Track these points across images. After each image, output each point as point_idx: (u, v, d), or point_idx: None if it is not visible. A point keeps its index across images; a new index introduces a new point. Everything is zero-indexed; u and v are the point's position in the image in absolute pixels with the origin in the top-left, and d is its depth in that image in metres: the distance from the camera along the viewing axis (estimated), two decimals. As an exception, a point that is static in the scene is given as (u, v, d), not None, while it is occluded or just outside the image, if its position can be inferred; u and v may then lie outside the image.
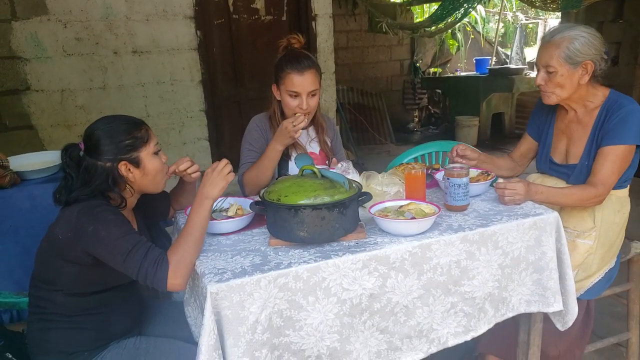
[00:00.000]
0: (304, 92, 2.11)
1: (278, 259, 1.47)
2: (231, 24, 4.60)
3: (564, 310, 1.81)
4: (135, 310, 1.72)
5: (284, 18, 4.84)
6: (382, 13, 5.67)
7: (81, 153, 1.55)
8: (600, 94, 1.97)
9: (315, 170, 1.60)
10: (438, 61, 9.79)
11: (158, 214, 1.92)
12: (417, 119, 9.58)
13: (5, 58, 3.78)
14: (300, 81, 2.09)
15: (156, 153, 1.63)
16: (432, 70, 9.72)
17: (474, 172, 2.04)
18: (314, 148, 2.32)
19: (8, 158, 2.21)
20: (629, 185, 2.04)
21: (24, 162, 2.37)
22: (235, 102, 4.73)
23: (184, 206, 1.89)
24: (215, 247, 1.60)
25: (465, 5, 4.31)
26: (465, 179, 1.76)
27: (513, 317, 1.80)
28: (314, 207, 1.49)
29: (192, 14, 4.30)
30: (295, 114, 2.15)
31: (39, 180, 2.21)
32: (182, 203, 1.95)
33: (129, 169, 1.57)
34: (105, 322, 1.60)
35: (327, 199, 1.51)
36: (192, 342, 1.55)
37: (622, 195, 2.02)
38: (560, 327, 1.86)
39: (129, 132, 1.56)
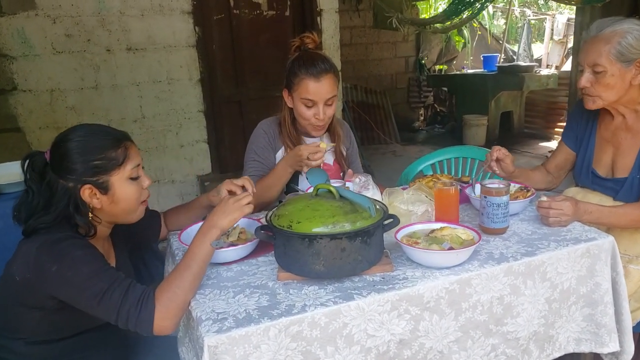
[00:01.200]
0: (321, 100, 1.85)
1: (289, 300, 1.22)
2: (231, 19, 4.33)
3: (620, 349, 1.56)
4: (119, 350, 1.47)
5: (287, 13, 4.57)
6: (390, 8, 5.39)
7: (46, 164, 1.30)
8: None
9: (332, 189, 1.35)
10: (444, 58, 9.52)
11: (146, 236, 1.66)
12: (422, 118, 9.32)
13: (-10, 56, 3.52)
14: (317, 88, 1.83)
15: (135, 178, 1.35)
16: (437, 67, 9.45)
17: (511, 188, 1.79)
18: (328, 159, 2.05)
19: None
20: None
21: (1, 172, 2.12)
22: (236, 102, 4.46)
23: (182, 226, 1.64)
24: (214, 282, 1.35)
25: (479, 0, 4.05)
26: (505, 198, 1.52)
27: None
28: (333, 236, 1.24)
29: (190, 8, 4.04)
30: (309, 123, 1.91)
31: (15, 194, 1.95)
32: (180, 223, 1.69)
33: (95, 194, 1.30)
34: None
35: (347, 227, 1.26)
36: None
37: None
38: (613, 367, 1.62)
39: (102, 151, 1.28)
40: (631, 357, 1.57)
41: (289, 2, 4.55)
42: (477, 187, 1.74)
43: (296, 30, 4.55)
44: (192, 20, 4.06)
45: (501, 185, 1.53)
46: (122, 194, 1.32)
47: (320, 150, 1.74)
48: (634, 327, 1.74)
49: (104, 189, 1.30)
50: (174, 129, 4.19)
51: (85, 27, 3.72)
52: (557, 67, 9.86)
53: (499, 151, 1.80)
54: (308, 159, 1.72)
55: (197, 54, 4.14)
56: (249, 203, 1.35)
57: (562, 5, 7.30)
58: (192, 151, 4.29)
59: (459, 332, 1.34)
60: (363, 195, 1.35)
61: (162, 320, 1.18)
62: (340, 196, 1.35)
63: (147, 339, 1.60)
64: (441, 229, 1.46)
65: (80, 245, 1.24)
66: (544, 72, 7.73)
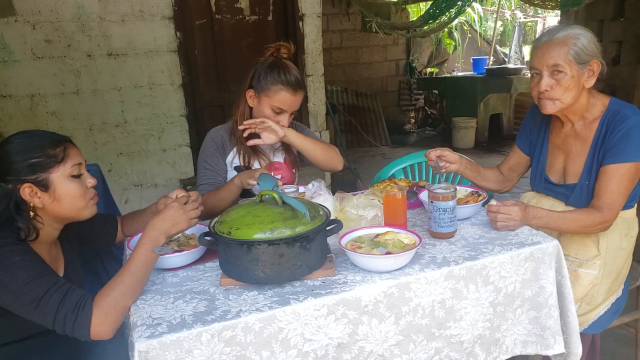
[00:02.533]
0: (290, 110, 1.97)
1: (227, 305, 1.24)
2: (213, 24, 4.35)
3: (566, 351, 1.58)
4: (67, 354, 1.48)
5: (270, 18, 4.60)
6: (375, 12, 5.42)
7: None
8: (600, 103, 1.74)
9: (275, 195, 1.37)
10: (435, 61, 9.55)
11: (101, 240, 1.68)
12: (413, 121, 9.35)
13: (-30, 62, 3.54)
14: (292, 101, 1.94)
15: (77, 176, 1.37)
16: (428, 70, 9.48)
17: (462, 192, 1.81)
18: (278, 157, 2.11)
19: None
20: (636, 204, 1.81)
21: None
22: (219, 106, 4.48)
23: (137, 231, 1.66)
24: (157, 287, 1.37)
25: (459, 2, 4.07)
26: (451, 203, 1.54)
27: (507, 360, 1.57)
28: (271, 242, 1.26)
29: (171, 14, 4.05)
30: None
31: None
32: (135, 228, 1.72)
33: (35, 193, 1.31)
34: None
35: (286, 232, 1.28)
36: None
37: (630, 216, 1.78)
38: (562, 369, 1.63)
39: (41, 149, 1.31)
40: (579, 358, 1.58)
41: (271, 7, 4.58)
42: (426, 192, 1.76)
43: (279, 35, 4.58)
44: (173, 26, 4.08)
45: (448, 190, 1.55)
46: (63, 192, 1.34)
47: (255, 175, 1.79)
48: (586, 329, 1.77)
49: (44, 186, 1.32)
50: (156, 134, 4.21)
51: (65, 32, 3.74)
52: (547, 69, 9.84)
53: (434, 150, 1.82)
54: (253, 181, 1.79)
55: (179, 58, 4.15)
56: (195, 218, 1.40)
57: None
58: (174, 155, 4.30)
59: (400, 336, 1.36)
60: (303, 202, 1.36)
61: (100, 325, 1.20)
62: (283, 202, 1.37)
63: (99, 343, 1.61)
64: (385, 233, 1.48)
65: (18, 251, 1.25)
66: (532, 74, 7.77)
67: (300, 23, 4.56)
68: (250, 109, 2.00)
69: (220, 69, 4.44)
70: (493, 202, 1.62)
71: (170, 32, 4.09)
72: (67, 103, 3.85)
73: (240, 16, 4.47)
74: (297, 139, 1.97)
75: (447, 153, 1.82)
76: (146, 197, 4.20)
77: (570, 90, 1.67)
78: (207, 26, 4.34)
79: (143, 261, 1.29)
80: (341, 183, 5.37)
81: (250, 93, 1.97)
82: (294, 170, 2.14)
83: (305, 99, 4.71)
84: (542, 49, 1.69)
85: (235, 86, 4.49)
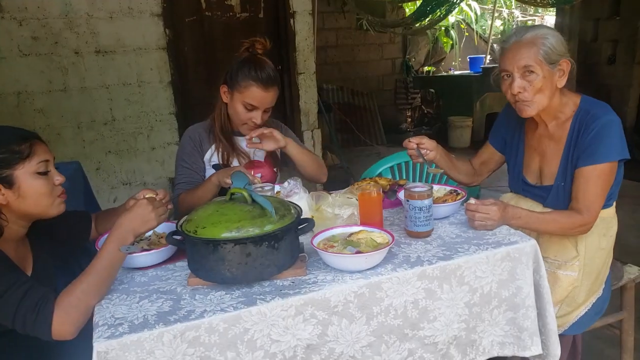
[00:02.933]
0: (262, 107, 1.91)
1: (192, 306, 1.22)
2: (203, 21, 4.33)
3: (544, 352, 1.55)
4: (30, 356, 1.45)
5: (261, 15, 4.57)
6: (370, 11, 5.40)
7: None
8: (571, 102, 1.70)
9: (244, 194, 1.34)
10: (431, 60, 9.52)
11: (74, 237, 1.66)
12: (409, 119, 9.32)
13: (-44, 59, 3.52)
14: (263, 97, 1.89)
15: (43, 173, 1.35)
16: (425, 69, 9.45)
17: (441, 191, 1.78)
18: (259, 156, 2.08)
19: None
20: (614, 203, 1.78)
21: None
22: (209, 104, 4.41)
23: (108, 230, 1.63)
24: (125, 287, 1.34)
25: (450, 0, 4.05)
26: (427, 202, 1.51)
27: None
28: (237, 241, 1.23)
29: (160, 11, 4.02)
30: (244, 124, 1.93)
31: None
32: (109, 226, 1.68)
33: None
34: None
35: (254, 231, 1.25)
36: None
37: (608, 215, 1.75)
38: (541, 370, 1.61)
39: (5, 145, 1.29)
40: (557, 359, 1.56)
41: (262, 4, 4.54)
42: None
43: (269, 33, 4.54)
44: (162, 23, 4.05)
45: (423, 189, 1.52)
46: (29, 189, 1.32)
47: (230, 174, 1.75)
48: (567, 330, 1.75)
49: (8, 183, 1.30)
50: (145, 132, 4.18)
51: (52, 29, 3.71)
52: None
53: (413, 139, 1.80)
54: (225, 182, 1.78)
55: (168, 56, 4.12)
56: (163, 214, 1.38)
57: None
58: (163, 153, 4.27)
59: (371, 337, 1.33)
60: (270, 200, 1.33)
61: (61, 324, 1.18)
62: (253, 200, 1.34)
63: (64, 344, 1.58)
64: (358, 232, 1.45)
65: None
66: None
67: (292, 20, 4.54)
68: (226, 105, 1.98)
69: (210, 67, 4.42)
70: (472, 200, 1.60)
71: (159, 29, 4.06)
72: (54, 101, 3.82)
73: (231, 13, 4.44)
74: (296, 151, 1.98)
75: (425, 140, 1.79)
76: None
77: (543, 91, 1.64)
78: (197, 23, 4.31)
79: (109, 260, 1.27)
80: (334, 182, 5.34)
81: (223, 89, 1.96)
82: (275, 169, 2.11)
83: (297, 97, 4.70)
84: (512, 51, 1.65)
85: (227, 82, 4.46)
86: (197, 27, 4.30)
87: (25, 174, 1.31)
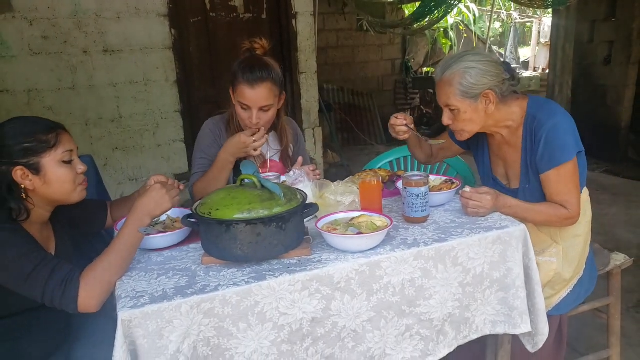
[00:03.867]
0: (255, 106, 1.94)
1: (206, 281, 1.32)
2: (208, 22, 4.44)
3: (533, 331, 1.66)
4: (57, 333, 1.56)
5: (264, 16, 4.68)
6: (369, 12, 5.51)
7: None
8: (519, 110, 1.77)
9: (254, 179, 1.45)
10: (430, 60, 9.63)
11: (92, 224, 1.77)
12: (409, 119, 9.40)
13: (-31, 57, 3.62)
14: (251, 95, 1.92)
15: (68, 162, 1.45)
16: (424, 69, 9.56)
17: (437, 181, 1.89)
18: (274, 156, 2.16)
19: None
20: (585, 189, 1.85)
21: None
22: (213, 102, 4.55)
23: (123, 217, 1.74)
24: (143, 266, 1.45)
25: (448, 1, 4.15)
26: (424, 189, 1.62)
27: (479, 339, 1.65)
28: (248, 221, 1.34)
29: (166, 11, 4.14)
30: (245, 124, 2.01)
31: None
32: (123, 213, 1.79)
33: (27, 176, 1.39)
34: (16, 351, 1.44)
35: (263, 213, 1.36)
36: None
37: (581, 201, 1.84)
38: (531, 348, 1.71)
39: (33, 134, 1.39)
40: (545, 337, 1.66)
41: (265, 5, 4.66)
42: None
43: (272, 33, 4.66)
44: (168, 23, 4.17)
45: (420, 177, 1.63)
46: (54, 176, 1.42)
47: (261, 132, 1.87)
48: (551, 311, 1.85)
49: (36, 170, 1.39)
50: (151, 129, 4.29)
51: (62, 29, 3.82)
52: (543, 70, 9.98)
53: (399, 115, 1.95)
54: (253, 141, 1.84)
55: (174, 55, 4.24)
56: (177, 196, 1.48)
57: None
58: (169, 150, 4.39)
59: (371, 312, 1.44)
60: (278, 185, 1.44)
61: (86, 298, 1.28)
62: (262, 186, 1.45)
63: (90, 321, 1.69)
64: (359, 217, 1.56)
65: (8, 229, 1.33)
66: (526, 74, 7.89)
67: (294, 21, 4.65)
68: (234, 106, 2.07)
69: (214, 66, 4.53)
70: (467, 188, 1.70)
71: (165, 29, 4.17)
72: (63, 98, 3.93)
73: (235, 14, 4.55)
74: None
75: (408, 116, 1.93)
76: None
77: (470, 121, 1.74)
78: (202, 24, 4.42)
79: (128, 240, 1.37)
80: (334, 179, 5.44)
81: (230, 91, 2.03)
82: (287, 169, 2.18)
83: (299, 96, 4.80)
84: (437, 87, 1.76)
85: (230, 83, 4.57)
86: (201, 27, 4.41)
87: (51, 161, 1.41)
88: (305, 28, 4.70)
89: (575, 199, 1.72)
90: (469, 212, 1.67)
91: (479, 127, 1.76)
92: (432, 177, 1.89)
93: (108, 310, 1.59)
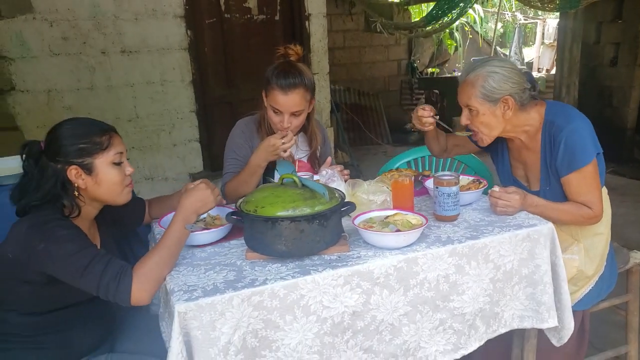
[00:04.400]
0: (287, 111, 1.99)
1: (253, 275, 1.38)
2: (223, 23, 4.50)
3: (559, 325, 1.72)
4: (103, 326, 1.62)
5: (277, 17, 4.74)
6: (378, 13, 5.56)
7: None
8: (537, 115, 1.83)
9: (295, 179, 1.51)
10: (436, 61, 9.70)
11: (130, 221, 1.83)
12: (414, 120, 9.46)
13: (-10, 58, 3.68)
14: (284, 100, 1.97)
15: (118, 163, 1.51)
16: (430, 70, 9.63)
17: (464, 180, 1.95)
18: (302, 156, 2.22)
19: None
20: (603, 187, 1.89)
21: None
22: (227, 103, 4.62)
23: (163, 214, 1.81)
24: (188, 261, 1.51)
25: (461, 4, 4.21)
26: (455, 188, 1.68)
27: (506, 333, 1.71)
28: (293, 219, 1.40)
29: (183, 13, 4.20)
30: (276, 127, 2.06)
31: (9, 186, 2.09)
32: (162, 211, 1.86)
33: (80, 175, 1.45)
34: (68, 340, 1.51)
35: (306, 210, 1.42)
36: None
37: None
38: (556, 342, 1.77)
39: (88, 136, 1.45)
40: (571, 332, 1.72)
41: (278, 7, 4.72)
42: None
43: (285, 34, 4.72)
44: (184, 24, 4.23)
45: (451, 177, 1.69)
46: (105, 177, 1.48)
47: (289, 134, 1.92)
48: (574, 306, 1.91)
49: (89, 170, 1.46)
50: (167, 129, 4.35)
51: (81, 30, 3.88)
52: (547, 70, 10.04)
53: (426, 107, 1.98)
54: (282, 143, 1.90)
55: (190, 56, 4.30)
56: (219, 195, 1.57)
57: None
58: (184, 150, 4.45)
59: (408, 307, 1.50)
60: (321, 184, 1.50)
61: (139, 291, 1.34)
62: (302, 185, 1.51)
63: (131, 317, 1.76)
64: (394, 215, 1.62)
65: (65, 225, 1.40)
66: (534, 74, 7.91)
67: (307, 23, 4.71)
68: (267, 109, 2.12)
69: (229, 67, 4.59)
70: (496, 188, 1.76)
71: (182, 31, 4.23)
72: (82, 98, 3.99)
73: (249, 15, 4.61)
74: None
75: (432, 108, 1.98)
76: (157, 189, 4.34)
77: (487, 125, 1.80)
78: (217, 25, 4.48)
79: (176, 236, 1.43)
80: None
81: (263, 94, 2.09)
82: (315, 170, 2.24)
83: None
84: (460, 87, 1.83)
85: (244, 84, 4.64)
86: (217, 28, 4.47)
87: (103, 162, 1.47)
88: (318, 29, 4.77)
89: (597, 199, 1.78)
90: (497, 210, 1.73)
91: (497, 131, 1.82)
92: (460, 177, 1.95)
93: (145, 308, 1.67)
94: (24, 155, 1.47)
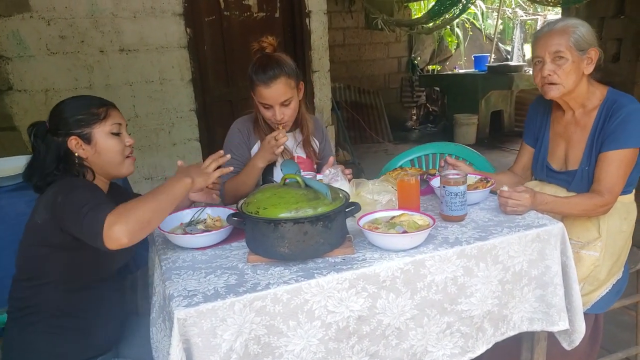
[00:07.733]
0: (275, 103, 1.98)
1: (255, 279, 1.34)
2: (222, 21, 4.45)
3: (570, 328, 1.67)
4: (117, 322, 1.65)
5: (277, 15, 4.69)
6: (378, 9, 5.50)
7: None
8: (599, 92, 1.86)
9: (298, 179, 1.46)
10: (437, 58, 9.64)
11: None
12: (415, 117, 9.43)
13: (-13, 57, 3.63)
14: (269, 94, 1.96)
15: (116, 134, 1.56)
16: (430, 67, 9.57)
17: (472, 179, 1.90)
18: (301, 153, 2.18)
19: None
20: (634, 190, 1.90)
21: (-3, 167, 2.23)
22: (227, 101, 4.58)
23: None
24: (189, 264, 1.46)
25: (463, 0, 4.16)
26: (462, 187, 1.63)
27: (515, 336, 1.66)
28: (296, 220, 1.35)
29: (182, 10, 4.15)
30: (271, 121, 2.05)
31: (7, 188, 2.06)
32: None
33: (80, 145, 1.51)
34: (87, 328, 1.53)
35: (310, 212, 1.37)
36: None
37: (628, 201, 1.88)
38: (567, 346, 1.73)
39: (86, 108, 1.53)
40: (582, 335, 1.68)
41: (278, 4, 4.66)
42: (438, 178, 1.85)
43: (285, 32, 4.67)
44: (183, 22, 4.17)
45: (458, 176, 1.64)
46: (104, 146, 1.54)
47: (281, 131, 1.93)
48: (589, 309, 1.87)
49: (87, 139, 1.52)
50: (167, 128, 4.30)
51: (79, 28, 3.83)
52: (548, 67, 9.91)
53: (447, 158, 1.96)
54: (276, 140, 1.90)
55: (189, 54, 4.24)
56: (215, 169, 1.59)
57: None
58: (184, 149, 4.40)
59: (415, 310, 1.45)
60: (324, 184, 1.45)
61: (112, 224, 1.24)
62: (306, 185, 1.46)
63: (138, 323, 1.74)
64: (400, 215, 1.57)
65: (84, 181, 1.50)
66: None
67: (307, 20, 4.65)
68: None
69: (228, 65, 4.54)
70: (505, 187, 1.71)
71: (181, 29, 4.18)
72: (80, 98, 3.93)
73: (248, 13, 4.56)
74: None
75: (460, 164, 1.95)
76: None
77: (571, 75, 1.79)
78: (216, 23, 4.43)
79: (167, 188, 1.39)
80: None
81: (251, 94, 2.05)
82: (314, 166, 2.21)
83: (312, 95, 4.81)
84: (544, 38, 1.81)
85: (244, 82, 4.55)
86: (216, 26, 4.42)
87: (101, 132, 1.53)
88: (318, 27, 4.71)
89: (617, 188, 1.76)
90: (507, 210, 1.68)
91: (574, 85, 1.81)
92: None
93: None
94: (31, 135, 1.54)
